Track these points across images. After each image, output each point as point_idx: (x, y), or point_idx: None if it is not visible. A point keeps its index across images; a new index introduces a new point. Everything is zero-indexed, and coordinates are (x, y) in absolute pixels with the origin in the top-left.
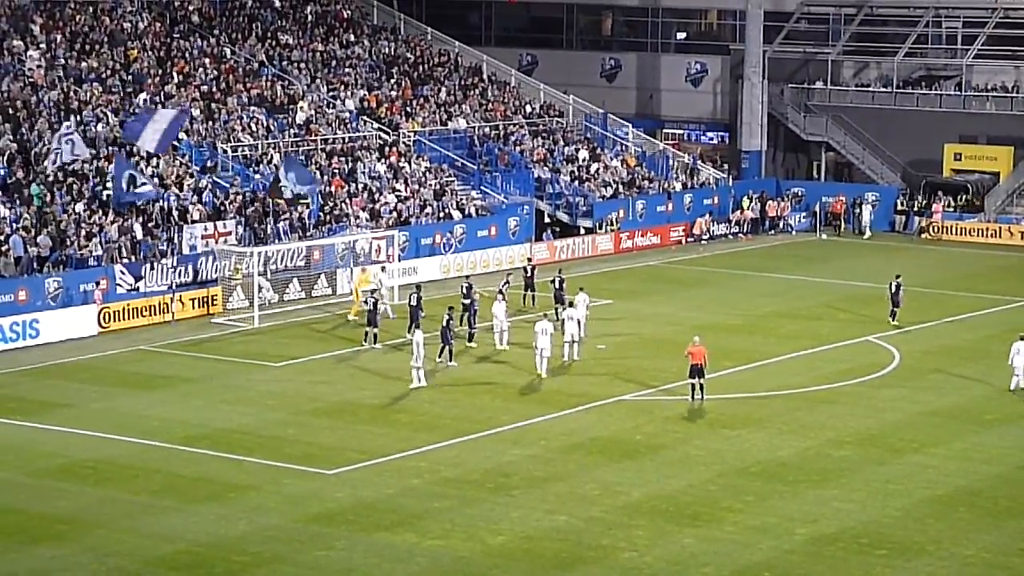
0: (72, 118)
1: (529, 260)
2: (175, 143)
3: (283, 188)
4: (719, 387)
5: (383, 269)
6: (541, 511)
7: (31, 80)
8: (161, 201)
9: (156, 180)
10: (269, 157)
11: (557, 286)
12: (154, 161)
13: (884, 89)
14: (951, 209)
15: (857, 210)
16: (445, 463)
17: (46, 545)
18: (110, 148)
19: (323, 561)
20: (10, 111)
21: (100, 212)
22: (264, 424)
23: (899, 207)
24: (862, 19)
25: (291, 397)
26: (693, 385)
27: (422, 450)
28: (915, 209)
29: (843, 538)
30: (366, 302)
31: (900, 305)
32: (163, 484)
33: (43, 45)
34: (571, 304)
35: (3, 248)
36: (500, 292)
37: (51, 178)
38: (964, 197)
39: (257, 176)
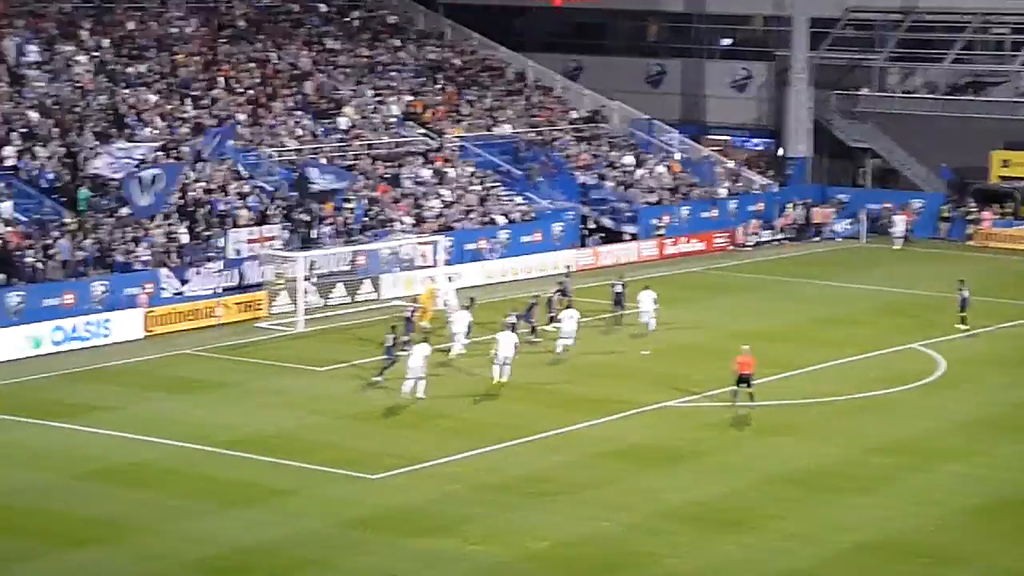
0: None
1: (567, 268)
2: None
3: (311, 185)
4: (761, 394)
5: (450, 279)
6: (581, 517)
7: (79, 85)
8: (207, 205)
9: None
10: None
11: (618, 291)
12: (198, 166)
13: (930, 95)
14: (999, 216)
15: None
16: (485, 469)
17: (87, 547)
18: (157, 153)
19: (362, 566)
20: (57, 115)
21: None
22: (306, 428)
23: (944, 214)
24: (909, 25)
25: (333, 402)
26: (736, 391)
27: (462, 456)
28: (966, 216)
29: (885, 546)
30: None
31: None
32: (204, 488)
33: (91, 50)
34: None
35: (50, 251)
36: (511, 325)
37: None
38: (1012, 204)
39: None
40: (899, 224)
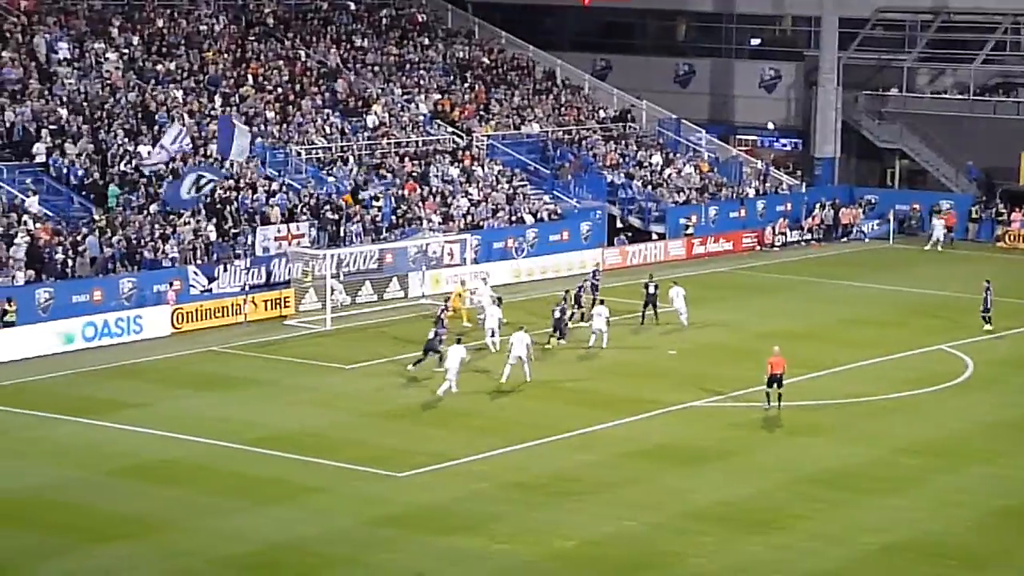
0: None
1: (597, 265)
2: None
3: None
4: (789, 394)
5: (485, 281)
6: (608, 516)
7: (109, 82)
8: (235, 203)
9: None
10: (345, 159)
11: (651, 291)
12: (228, 163)
13: (960, 96)
14: None
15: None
16: (512, 467)
17: (116, 543)
18: (185, 150)
19: (390, 564)
20: (87, 112)
21: (175, 214)
22: (334, 426)
23: (973, 215)
24: (938, 26)
25: (361, 399)
26: (768, 393)
27: (489, 454)
28: (996, 217)
29: (913, 547)
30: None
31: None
32: (232, 485)
33: (121, 47)
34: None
35: (79, 248)
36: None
37: (130, 177)
38: None
39: (331, 179)
40: (938, 228)
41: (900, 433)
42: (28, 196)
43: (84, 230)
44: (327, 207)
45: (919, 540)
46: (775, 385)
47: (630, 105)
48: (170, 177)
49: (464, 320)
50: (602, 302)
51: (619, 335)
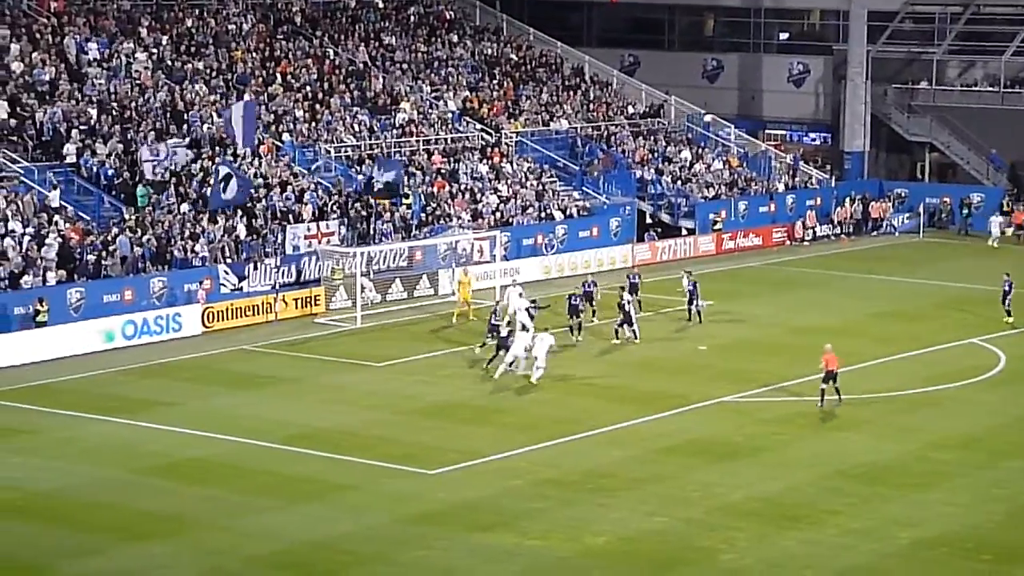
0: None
1: (633, 267)
2: (276, 142)
3: (375, 183)
4: (819, 389)
5: (521, 295)
6: (641, 512)
7: (138, 82)
8: (264, 201)
9: (252, 179)
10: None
11: (691, 288)
12: (256, 161)
13: (990, 89)
14: None
15: (965, 211)
16: (545, 464)
17: (149, 542)
18: (215, 148)
19: (423, 561)
20: (115, 112)
21: (205, 213)
22: (365, 424)
23: (1004, 208)
24: (968, 18)
25: (392, 397)
26: (823, 390)
27: (522, 451)
28: None
29: (946, 542)
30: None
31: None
32: (264, 483)
33: (150, 47)
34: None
35: (110, 248)
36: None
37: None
38: None
39: (360, 177)
40: (994, 225)
41: (932, 427)
42: (50, 191)
43: (115, 230)
44: (357, 205)
45: (952, 535)
46: (831, 382)
47: (664, 101)
48: (200, 175)
49: (470, 315)
50: (547, 330)
51: (650, 331)
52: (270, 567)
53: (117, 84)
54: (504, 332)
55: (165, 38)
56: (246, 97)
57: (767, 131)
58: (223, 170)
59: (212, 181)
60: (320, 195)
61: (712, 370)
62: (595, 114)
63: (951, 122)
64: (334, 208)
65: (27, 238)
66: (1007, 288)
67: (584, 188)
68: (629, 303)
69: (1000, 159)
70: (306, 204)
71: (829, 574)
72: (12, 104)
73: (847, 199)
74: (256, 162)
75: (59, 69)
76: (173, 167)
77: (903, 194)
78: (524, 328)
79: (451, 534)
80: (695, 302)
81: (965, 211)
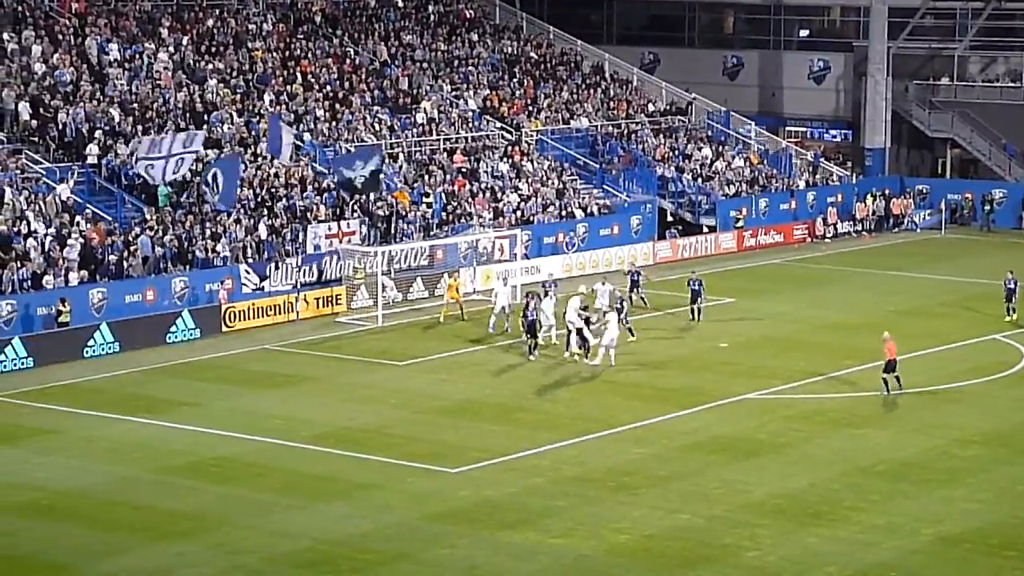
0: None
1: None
2: (298, 143)
3: (351, 179)
4: (842, 386)
5: (545, 294)
6: (663, 510)
7: (158, 82)
8: (285, 200)
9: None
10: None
11: (695, 288)
12: (276, 161)
13: (1012, 84)
14: None
15: (987, 207)
16: (567, 462)
17: (172, 541)
18: (236, 148)
19: (446, 559)
20: (137, 113)
21: (226, 212)
22: (388, 423)
23: None
24: (989, 13)
25: (414, 396)
26: (886, 379)
27: (544, 449)
28: None
29: (970, 539)
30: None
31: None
32: (287, 482)
33: (171, 47)
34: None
35: (132, 248)
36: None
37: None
38: None
39: (334, 177)
40: None
41: (956, 423)
42: (59, 184)
43: (136, 230)
44: (378, 204)
45: (977, 531)
46: (891, 371)
47: (689, 99)
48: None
49: (463, 316)
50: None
51: (671, 328)
52: (294, 566)
53: (138, 84)
54: (595, 320)
55: (186, 38)
56: (267, 99)
57: (788, 128)
58: (212, 171)
59: (207, 182)
60: (341, 194)
61: (734, 367)
62: (615, 112)
63: (972, 118)
64: (355, 207)
65: (49, 239)
66: (1012, 286)
67: (605, 186)
68: (623, 300)
69: (1014, 148)
70: (325, 204)
71: (852, 571)
72: (34, 105)
73: (868, 196)
74: (276, 162)
75: (80, 70)
76: (194, 167)
77: (924, 190)
78: (605, 314)
79: (474, 532)
80: (699, 300)
81: (987, 207)
